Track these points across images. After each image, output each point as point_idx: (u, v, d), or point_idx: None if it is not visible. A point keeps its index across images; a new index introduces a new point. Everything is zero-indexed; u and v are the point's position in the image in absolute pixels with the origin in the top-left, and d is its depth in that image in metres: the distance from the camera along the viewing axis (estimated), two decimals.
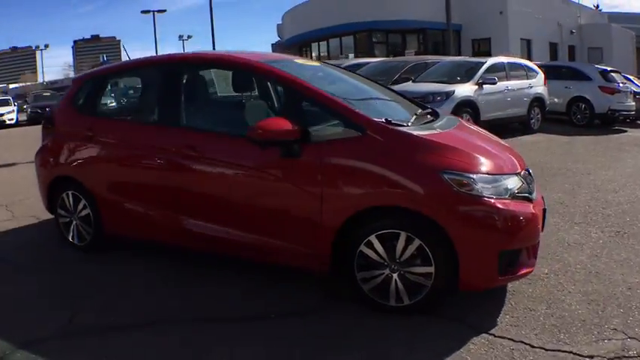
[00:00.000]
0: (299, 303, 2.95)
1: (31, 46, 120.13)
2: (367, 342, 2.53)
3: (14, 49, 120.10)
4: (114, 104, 3.98)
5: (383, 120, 2.81)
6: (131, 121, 3.65)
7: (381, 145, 2.70)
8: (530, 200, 2.75)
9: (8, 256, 3.94)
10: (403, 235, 2.62)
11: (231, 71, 3.50)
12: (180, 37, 65.79)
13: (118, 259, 3.72)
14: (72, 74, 70.42)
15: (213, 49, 38.16)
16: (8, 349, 2.54)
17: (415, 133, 2.78)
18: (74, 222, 3.83)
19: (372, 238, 2.67)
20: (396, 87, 9.38)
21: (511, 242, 2.61)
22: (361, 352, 2.44)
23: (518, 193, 2.69)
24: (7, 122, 21.01)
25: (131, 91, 3.64)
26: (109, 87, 3.90)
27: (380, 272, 2.71)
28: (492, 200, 2.56)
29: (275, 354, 2.47)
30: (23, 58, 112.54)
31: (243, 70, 3.39)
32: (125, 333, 2.70)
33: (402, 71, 10.80)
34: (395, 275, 2.68)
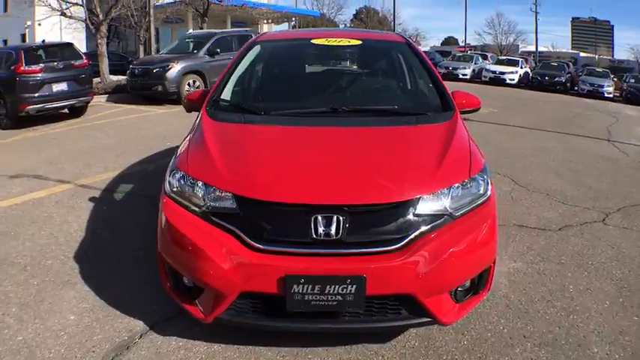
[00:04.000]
0: None
1: (608, 21, 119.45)
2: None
3: (593, 20, 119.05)
4: None
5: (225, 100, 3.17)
6: None
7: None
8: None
9: None
10: None
11: None
12: None
13: None
14: None
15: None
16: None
17: (209, 120, 2.91)
18: None
19: None
20: None
21: None
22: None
23: (214, 212, 2.28)
24: (508, 81, 22.07)
25: None
26: None
27: None
28: (170, 204, 2.43)
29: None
30: (599, 31, 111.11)
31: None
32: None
33: None
34: None
